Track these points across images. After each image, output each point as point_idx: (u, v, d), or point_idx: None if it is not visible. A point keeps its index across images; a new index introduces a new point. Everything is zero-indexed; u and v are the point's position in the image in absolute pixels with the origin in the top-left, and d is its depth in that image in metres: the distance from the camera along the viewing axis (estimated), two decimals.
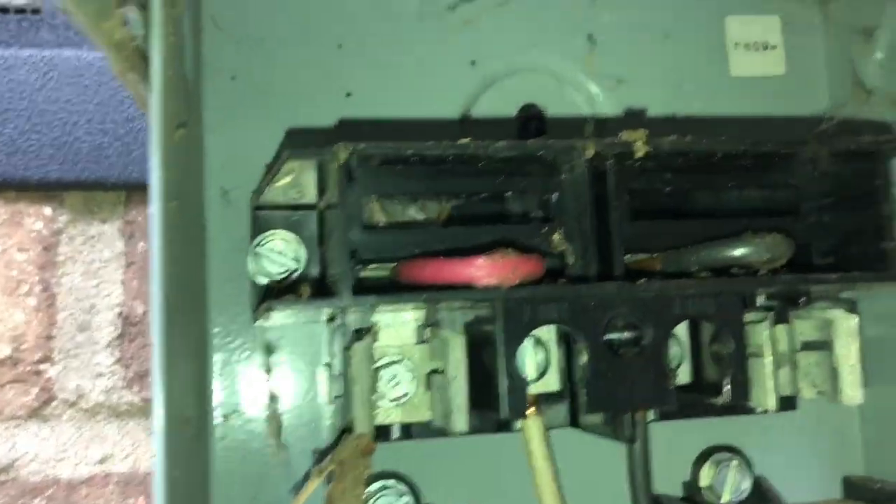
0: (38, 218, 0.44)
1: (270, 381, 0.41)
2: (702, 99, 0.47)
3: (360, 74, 0.44)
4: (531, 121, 0.44)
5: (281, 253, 0.40)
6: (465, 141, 0.34)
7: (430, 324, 0.38)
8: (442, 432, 0.38)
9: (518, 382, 0.34)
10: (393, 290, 0.36)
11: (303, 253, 0.40)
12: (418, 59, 0.45)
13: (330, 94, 0.44)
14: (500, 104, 0.46)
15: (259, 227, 0.41)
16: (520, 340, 0.34)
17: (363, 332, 0.37)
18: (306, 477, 0.39)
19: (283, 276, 0.40)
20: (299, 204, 0.41)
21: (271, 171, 0.35)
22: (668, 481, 0.44)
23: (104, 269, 0.45)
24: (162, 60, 0.30)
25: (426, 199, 0.41)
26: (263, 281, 0.40)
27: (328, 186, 0.36)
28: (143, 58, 0.32)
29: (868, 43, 0.43)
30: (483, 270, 0.33)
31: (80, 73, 0.43)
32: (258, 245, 0.40)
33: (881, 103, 0.43)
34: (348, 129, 0.43)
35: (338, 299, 0.32)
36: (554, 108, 0.46)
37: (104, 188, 0.45)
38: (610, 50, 0.47)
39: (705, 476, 0.44)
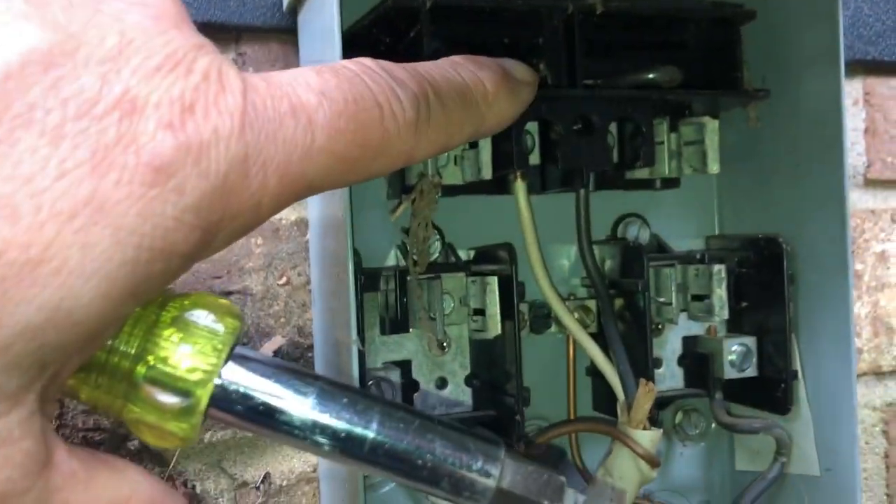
0: None
1: None
2: None
3: None
4: None
5: None
6: None
7: None
8: (465, 190, 0.61)
9: (524, 148, 0.57)
10: None
11: None
12: None
13: None
14: None
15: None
16: (524, 122, 0.57)
17: None
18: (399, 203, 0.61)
19: None
20: None
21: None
22: (596, 235, 0.69)
23: None
24: None
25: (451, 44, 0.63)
26: None
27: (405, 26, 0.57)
28: None
29: None
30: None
31: None
32: None
33: None
34: None
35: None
36: None
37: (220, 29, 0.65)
38: None
39: (620, 230, 0.69)
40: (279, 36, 0.65)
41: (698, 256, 0.66)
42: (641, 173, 0.66)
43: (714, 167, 0.64)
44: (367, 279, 0.58)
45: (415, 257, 0.57)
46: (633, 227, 0.69)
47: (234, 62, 0.65)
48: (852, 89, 0.81)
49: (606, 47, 0.62)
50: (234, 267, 0.63)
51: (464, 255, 0.66)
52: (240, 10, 0.65)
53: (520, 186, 0.62)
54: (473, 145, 0.60)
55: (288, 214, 0.65)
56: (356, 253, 0.59)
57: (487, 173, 0.58)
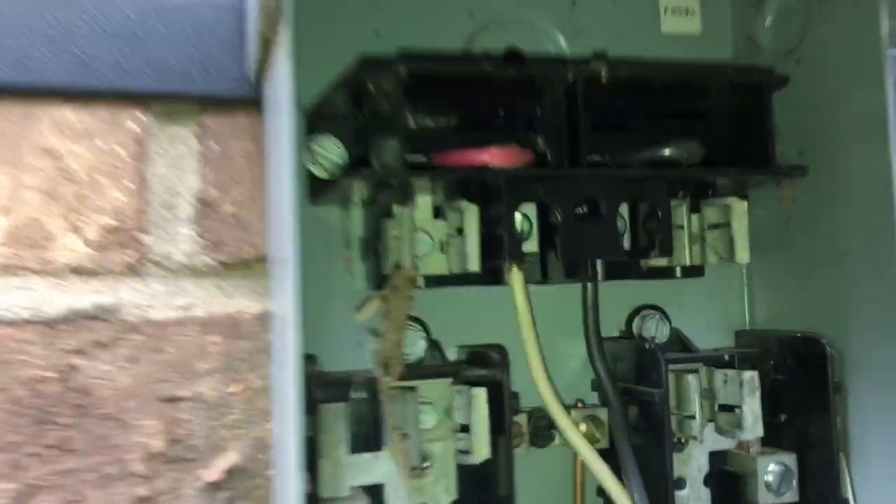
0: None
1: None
2: (640, 49, 0.62)
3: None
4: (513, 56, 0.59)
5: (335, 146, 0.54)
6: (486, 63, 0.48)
7: (449, 197, 0.53)
8: (453, 281, 0.53)
9: (515, 236, 0.49)
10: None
11: (346, 153, 0.54)
12: None
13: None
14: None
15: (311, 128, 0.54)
16: (517, 206, 0.49)
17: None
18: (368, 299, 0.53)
19: (332, 169, 0.53)
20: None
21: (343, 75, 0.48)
22: (607, 331, 0.60)
23: (184, 162, 0.58)
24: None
25: (437, 114, 0.56)
26: (318, 172, 0.53)
27: (380, 98, 0.50)
28: None
29: (759, 11, 0.59)
30: (494, 156, 0.48)
31: None
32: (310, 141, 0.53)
33: (769, 57, 0.59)
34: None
35: (398, 174, 0.46)
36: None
37: (185, 100, 0.58)
38: (580, 11, 0.62)
39: (636, 325, 0.60)
40: (246, 107, 0.58)
41: (726, 358, 0.57)
42: (659, 261, 0.57)
43: (743, 256, 0.55)
44: (331, 387, 0.49)
45: (386, 365, 0.48)
46: (651, 322, 0.60)
47: (197, 136, 0.58)
48: None
49: (615, 118, 0.53)
50: (185, 368, 0.55)
51: (453, 353, 0.57)
52: (204, 79, 0.58)
53: (516, 277, 0.54)
54: (460, 230, 0.52)
55: (248, 306, 0.56)
56: (311, 358, 0.50)
57: (475, 265, 0.50)
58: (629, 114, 0.54)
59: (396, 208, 0.52)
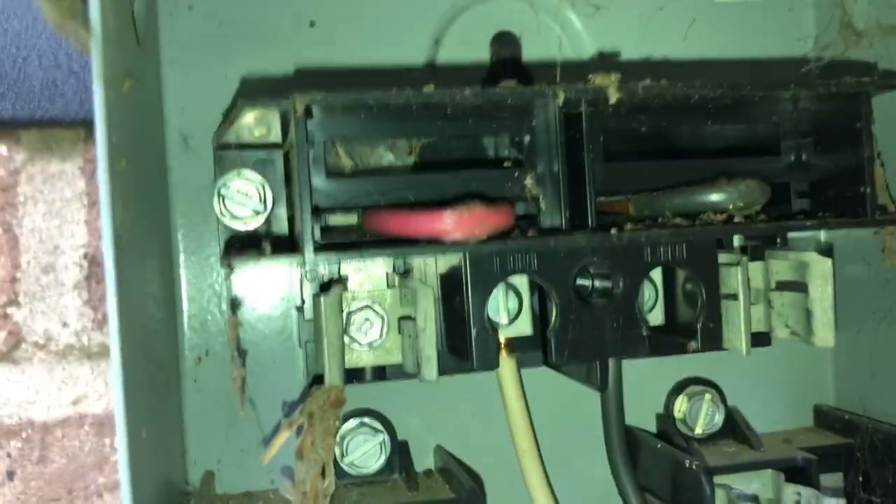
0: None
1: (238, 329, 0.41)
2: (682, 26, 0.45)
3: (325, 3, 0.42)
4: (502, 65, 0.42)
5: (247, 195, 0.39)
6: (429, 89, 0.32)
7: (401, 272, 0.38)
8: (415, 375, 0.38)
9: (486, 335, 0.34)
10: (361, 238, 0.36)
11: (269, 195, 0.39)
12: None
13: (292, 24, 0.42)
14: (473, 33, 0.44)
15: (223, 166, 0.39)
16: (488, 292, 0.34)
17: (333, 282, 0.37)
18: (277, 429, 0.39)
19: (250, 218, 0.39)
20: (265, 143, 0.40)
21: (228, 118, 0.34)
22: (642, 412, 0.45)
23: (66, 209, 0.44)
24: (100, 5, 0.28)
25: (399, 146, 0.40)
26: (232, 223, 0.39)
27: (290, 132, 0.35)
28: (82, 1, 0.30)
29: None
30: (449, 225, 0.32)
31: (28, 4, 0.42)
32: (223, 186, 0.39)
33: (870, 42, 0.42)
34: (307, 74, 0.41)
35: (299, 256, 0.31)
36: (529, 36, 0.44)
37: (62, 126, 0.44)
38: None
39: (679, 408, 0.45)
40: None
41: (800, 461, 0.41)
42: None
43: (826, 338, 0.38)
44: None
45: None
46: (698, 405, 0.45)
47: (83, 172, 0.44)
48: None
49: (636, 146, 0.37)
50: (78, 488, 0.42)
51: (428, 455, 0.43)
52: (90, 101, 0.43)
53: (506, 369, 0.39)
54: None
55: None
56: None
57: (431, 374, 0.35)
58: (655, 141, 0.37)
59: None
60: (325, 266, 0.37)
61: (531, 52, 0.44)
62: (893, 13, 0.40)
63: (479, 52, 0.44)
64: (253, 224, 0.39)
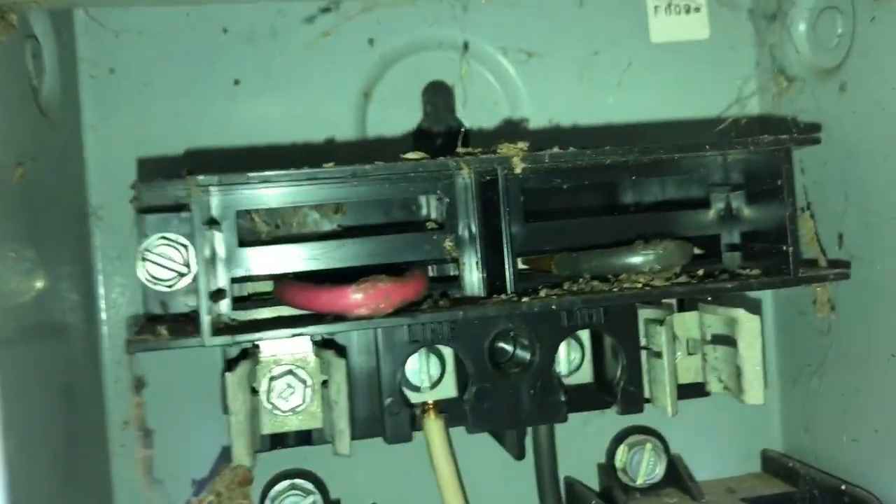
0: None
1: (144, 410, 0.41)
2: (618, 70, 0.44)
3: (248, 60, 0.42)
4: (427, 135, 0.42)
5: (170, 259, 0.39)
6: (328, 166, 0.32)
7: (318, 342, 0.37)
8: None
9: (398, 408, 0.33)
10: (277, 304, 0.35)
11: (193, 258, 0.39)
12: (309, 42, 0.42)
13: (218, 82, 0.42)
14: (404, 85, 0.43)
15: (144, 230, 0.39)
16: (401, 363, 0.33)
17: (248, 352, 0.37)
18: None
19: (174, 280, 0.39)
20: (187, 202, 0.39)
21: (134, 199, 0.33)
22: (583, 462, 0.44)
23: None
24: None
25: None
26: (156, 286, 0.39)
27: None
28: None
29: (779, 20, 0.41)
30: (354, 301, 0.32)
31: None
32: (147, 250, 0.39)
33: (803, 86, 0.41)
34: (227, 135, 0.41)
35: (197, 339, 0.31)
36: (461, 86, 0.44)
37: None
38: (520, 21, 0.44)
39: (620, 458, 0.44)
40: None
41: None
42: None
43: (755, 396, 0.37)
44: None
45: None
46: (640, 455, 0.44)
47: None
48: None
49: (555, 207, 0.37)
50: None
51: None
52: None
53: (433, 428, 0.39)
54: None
55: None
56: None
57: (343, 449, 0.34)
58: (579, 198, 0.37)
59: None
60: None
61: (465, 100, 0.44)
62: (828, 56, 0.40)
63: (410, 103, 0.44)
64: (179, 285, 0.39)
